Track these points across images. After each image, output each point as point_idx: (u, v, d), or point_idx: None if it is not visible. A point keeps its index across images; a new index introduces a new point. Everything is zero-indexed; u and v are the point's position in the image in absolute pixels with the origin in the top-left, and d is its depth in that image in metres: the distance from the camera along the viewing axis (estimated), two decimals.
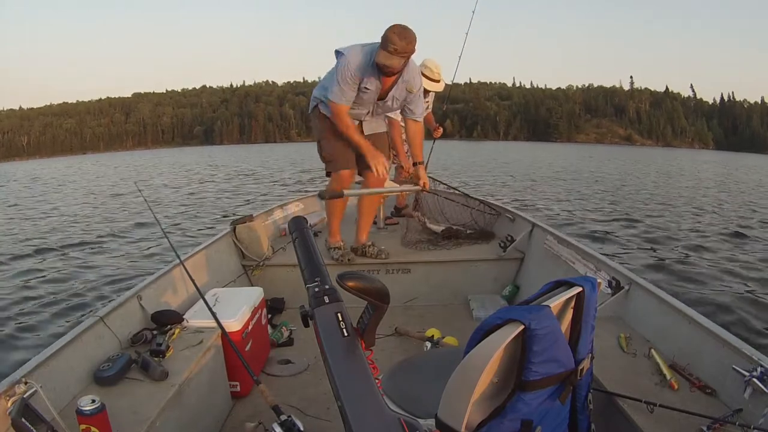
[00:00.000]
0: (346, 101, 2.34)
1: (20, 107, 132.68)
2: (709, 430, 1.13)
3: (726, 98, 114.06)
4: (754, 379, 1.18)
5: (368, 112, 2.52)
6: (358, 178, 2.71)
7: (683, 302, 1.60)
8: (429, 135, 3.76)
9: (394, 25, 2.15)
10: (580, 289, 0.91)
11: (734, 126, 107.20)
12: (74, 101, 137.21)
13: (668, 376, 1.35)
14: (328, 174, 2.63)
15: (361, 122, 2.58)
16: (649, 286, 1.75)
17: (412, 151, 2.64)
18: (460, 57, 3.92)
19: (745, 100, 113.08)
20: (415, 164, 2.60)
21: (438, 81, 3.16)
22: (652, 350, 1.49)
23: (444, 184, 3.80)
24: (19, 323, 3.65)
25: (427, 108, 3.42)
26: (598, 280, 0.97)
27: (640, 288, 1.77)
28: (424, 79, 3.07)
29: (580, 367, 0.91)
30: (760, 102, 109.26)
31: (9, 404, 1.07)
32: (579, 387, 0.95)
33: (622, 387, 1.31)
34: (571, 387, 0.90)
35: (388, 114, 3.10)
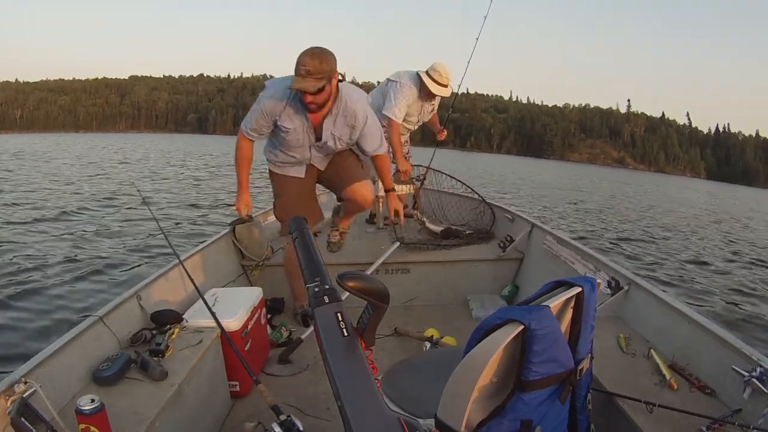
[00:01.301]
0: (254, 136, 2.10)
1: (16, 80, 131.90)
2: (709, 430, 1.13)
3: (721, 129, 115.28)
4: (754, 380, 1.19)
5: (309, 158, 2.18)
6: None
7: (683, 302, 1.60)
8: (433, 139, 3.74)
9: (306, 48, 1.85)
10: (580, 289, 0.91)
11: (727, 157, 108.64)
12: (70, 78, 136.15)
13: (668, 376, 1.35)
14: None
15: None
16: (649, 287, 1.75)
17: (380, 180, 2.44)
18: (468, 62, 3.86)
19: (740, 132, 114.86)
20: (387, 191, 2.42)
21: (446, 86, 3.12)
22: (652, 350, 1.49)
23: (446, 174, 3.79)
24: (18, 323, 3.64)
25: (432, 111, 3.38)
26: (598, 281, 0.98)
27: (640, 288, 1.78)
28: (431, 82, 3.02)
29: (580, 367, 0.91)
30: (755, 135, 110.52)
31: (8, 404, 1.07)
32: (579, 387, 0.95)
33: (622, 387, 1.31)
34: (570, 387, 0.90)
35: (385, 113, 3.06)
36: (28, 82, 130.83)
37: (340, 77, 1.90)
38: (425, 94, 3.08)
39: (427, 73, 3.05)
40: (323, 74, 1.80)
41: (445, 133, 3.63)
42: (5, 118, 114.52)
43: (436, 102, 3.33)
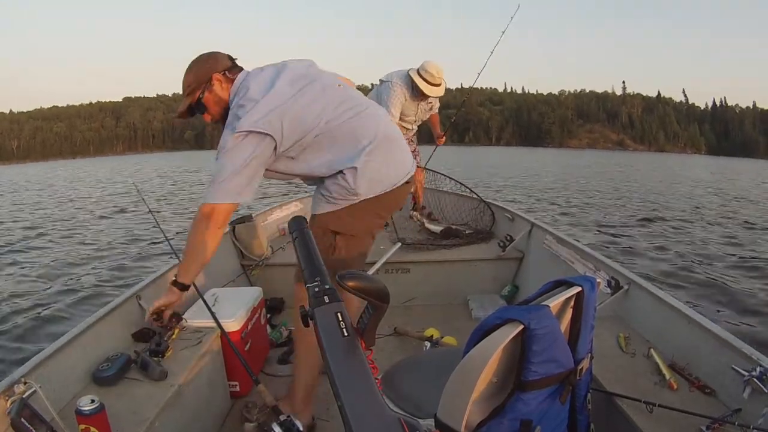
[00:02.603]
0: None
1: (10, 111, 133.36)
2: (709, 429, 1.13)
3: (718, 103, 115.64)
4: (754, 379, 1.19)
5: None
6: None
7: (683, 302, 1.60)
8: (430, 139, 3.75)
9: None
10: (580, 288, 0.91)
11: (726, 131, 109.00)
12: (64, 105, 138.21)
13: (667, 376, 1.35)
14: None
15: None
16: (649, 286, 1.75)
17: None
18: (484, 65, 3.94)
19: (737, 104, 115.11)
20: None
21: (439, 85, 3.08)
22: (652, 350, 1.49)
23: (444, 175, 3.79)
24: (18, 323, 3.64)
25: (431, 109, 3.37)
26: (598, 280, 0.98)
27: (640, 288, 1.78)
28: (422, 83, 2.97)
29: (580, 367, 0.91)
30: (752, 106, 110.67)
31: (8, 404, 1.07)
32: (578, 387, 0.95)
33: (622, 387, 1.31)
34: (570, 387, 0.90)
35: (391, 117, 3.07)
36: (22, 112, 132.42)
37: (222, 74, 1.48)
38: (418, 93, 3.05)
39: (418, 72, 3.01)
40: (189, 86, 1.50)
41: (444, 139, 3.62)
42: (2, 150, 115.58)
43: (435, 100, 3.31)
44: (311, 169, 1.48)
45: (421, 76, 3.00)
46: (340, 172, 1.45)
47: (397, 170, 1.55)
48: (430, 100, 3.22)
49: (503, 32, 3.94)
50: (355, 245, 1.59)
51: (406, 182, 1.58)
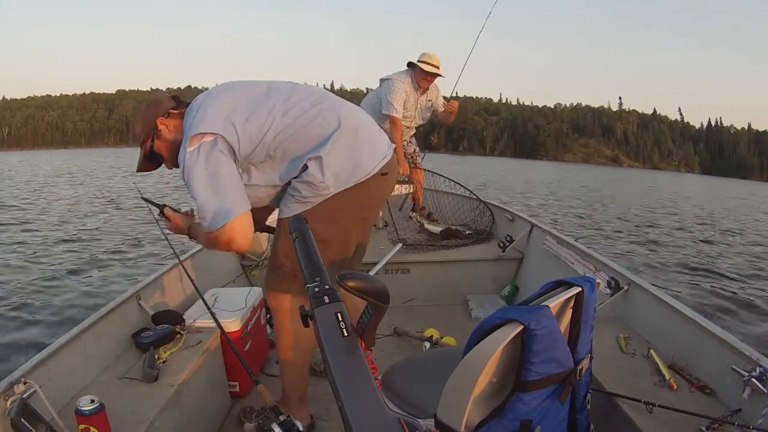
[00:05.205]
0: None
1: (3, 97, 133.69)
2: (708, 430, 1.13)
3: (713, 123, 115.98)
4: (753, 379, 1.19)
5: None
6: None
7: (682, 302, 1.60)
8: (425, 144, 3.76)
9: None
10: (580, 289, 0.92)
11: (721, 151, 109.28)
12: (57, 94, 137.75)
13: (667, 376, 1.35)
14: None
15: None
16: (649, 287, 1.75)
17: None
18: (466, 61, 3.98)
19: (732, 125, 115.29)
20: None
21: (437, 68, 3.15)
22: (651, 350, 1.49)
23: (443, 177, 3.80)
24: (18, 323, 3.64)
25: (431, 107, 3.38)
26: (598, 281, 0.98)
27: (640, 288, 1.78)
28: (422, 63, 3.08)
29: (580, 367, 0.91)
30: (747, 128, 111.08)
31: (8, 404, 1.07)
32: (578, 387, 0.95)
33: (622, 387, 1.31)
34: (570, 387, 0.90)
35: (385, 112, 3.09)
36: (15, 99, 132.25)
37: (165, 116, 1.41)
38: (419, 79, 3.12)
39: (418, 60, 3.12)
40: (139, 138, 1.46)
41: (456, 104, 3.44)
42: None
43: (434, 98, 3.33)
44: (279, 174, 1.37)
45: (420, 60, 3.12)
46: (305, 167, 1.33)
47: (369, 156, 1.39)
48: (429, 97, 3.26)
49: (483, 26, 4.05)
50: (327, 254, 1.39)
51: (383, 174, 1.41)
